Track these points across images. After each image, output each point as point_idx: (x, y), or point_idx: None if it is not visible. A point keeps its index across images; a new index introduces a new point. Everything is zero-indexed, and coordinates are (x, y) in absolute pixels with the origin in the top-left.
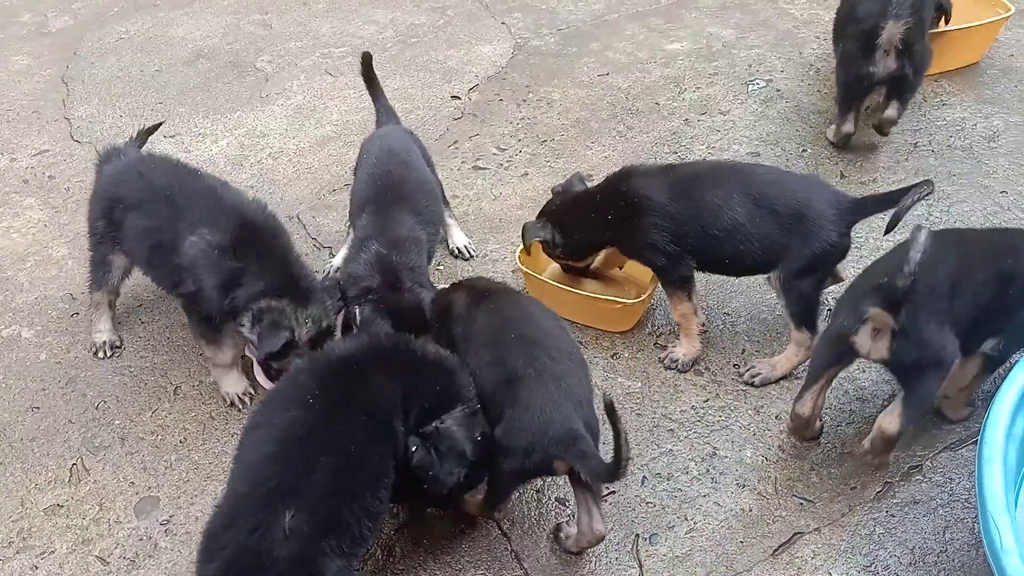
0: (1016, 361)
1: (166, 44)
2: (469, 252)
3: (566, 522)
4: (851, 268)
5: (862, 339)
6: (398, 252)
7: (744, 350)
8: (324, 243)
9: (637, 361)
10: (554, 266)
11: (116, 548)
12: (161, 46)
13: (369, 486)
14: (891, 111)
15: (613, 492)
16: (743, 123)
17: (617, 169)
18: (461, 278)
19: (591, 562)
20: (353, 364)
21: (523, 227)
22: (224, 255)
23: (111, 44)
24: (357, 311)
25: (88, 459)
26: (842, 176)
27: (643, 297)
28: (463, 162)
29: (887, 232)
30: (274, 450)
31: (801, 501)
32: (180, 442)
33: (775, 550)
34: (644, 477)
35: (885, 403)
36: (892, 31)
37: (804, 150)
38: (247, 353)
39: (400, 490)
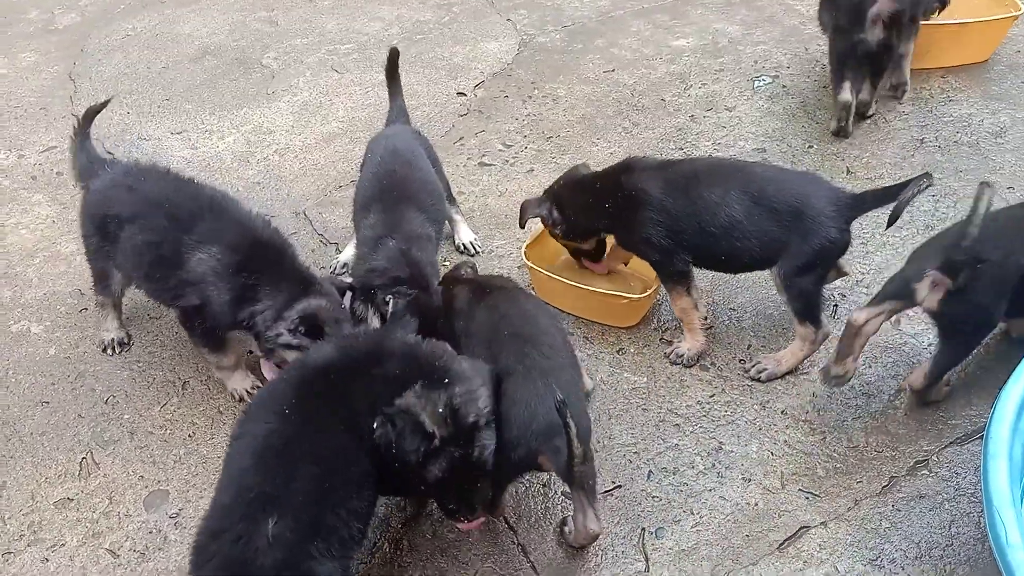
0: None
1: (172, 41)
2: (475, 248)
3: (571, 516)
4: (856, 263)
5: (921, 288)
6: (417, 248)
7: (750, 345)
8: (331, 239)
9: (643, 356)
10: (560, 262)
11: (126, 541)
12: (168, 43)
13: (352, 489)
14: (864, 95)
15: (619, 487)
16: (749, 119)
17: (621, 159)
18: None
19: (597, 556)
20: (329, 369)
21: (522, 204)
22: (236, 271)
23: (118, 41)
24: (390, 303)
25: (98, 453)
26: (848, 172)
27: (648, 292)
28: (469, 158)
29: (889, 226)
30: (253, 460)
31: (807, 495)
32: (189, 436)
33: (781, 544)
34: (650, 471)
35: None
36: (883, 5)
37: (810, 146)
38: (255, 351)
39: (405, 488)
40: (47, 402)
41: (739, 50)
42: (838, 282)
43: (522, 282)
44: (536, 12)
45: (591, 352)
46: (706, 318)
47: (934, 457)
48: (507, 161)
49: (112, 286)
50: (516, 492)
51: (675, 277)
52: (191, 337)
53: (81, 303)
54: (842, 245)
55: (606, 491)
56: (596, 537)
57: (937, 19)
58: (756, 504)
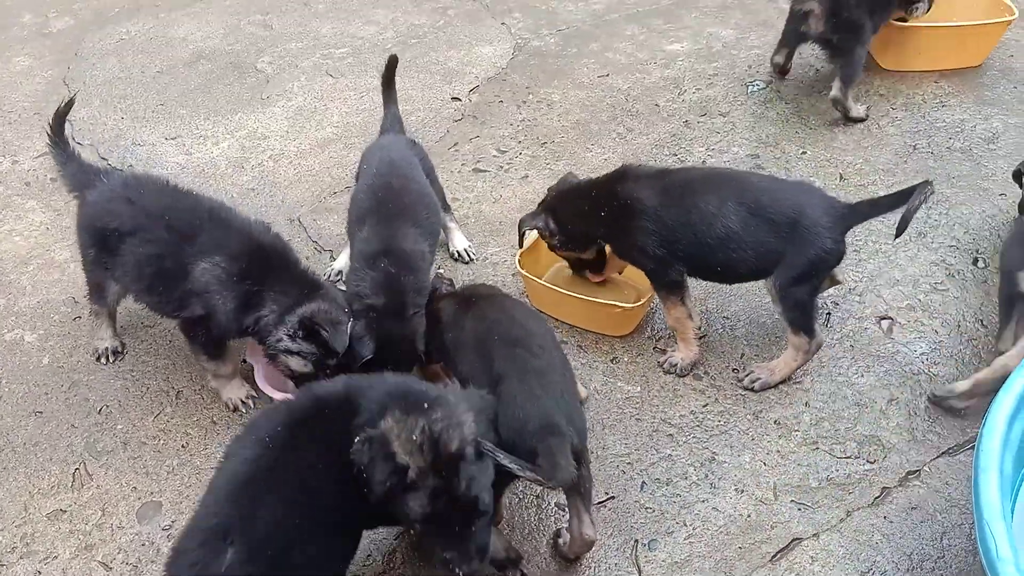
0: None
1: (167, 45)
2: (470, 255)
3: (565, 527)
4: (849, 271)
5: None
6: (408, 270)
7: (743, 354)
8: (325, 246)
9: (636, 365)
10: (554, 270)
11: (119, 553)
12: (162, 47)
13: (325, 528)
14: (834, 91)
15: (612, 498)
16: (743, 124)
17: (617, 167)
18: (461, 281)
19: (591, 568)
20: (325, 403)
21: (519, 221)
22: (241, 279)
23: (112, 45)
24: (352, 325)
25: (91, 464)
26: (841, 178)
27: (642, 301)
28: (463, 164)
29: (898, 235)
30: (225, 486)
31: (799, 506)
32: (182, 447)
33: (773, 556)
34: (643, 482)
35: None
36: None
37: (804, 152)
38: (248, 359)
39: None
40: (40, 412)
41: (733, 55)
42: (831, 291)
43: (515, 290)
44: (531, 16)
45: (585, 361)
46: (700, 327)
47: (926, 468)
48: (501, 167)
49: (108, 297)
50: (510, 503)
51: (669, 287)
52: (191, 345)
53: (75, 311)
54: (837, 256)
55: (599, 502)
56: (592, 544)
57: (930, 21)
58: (749, 515)
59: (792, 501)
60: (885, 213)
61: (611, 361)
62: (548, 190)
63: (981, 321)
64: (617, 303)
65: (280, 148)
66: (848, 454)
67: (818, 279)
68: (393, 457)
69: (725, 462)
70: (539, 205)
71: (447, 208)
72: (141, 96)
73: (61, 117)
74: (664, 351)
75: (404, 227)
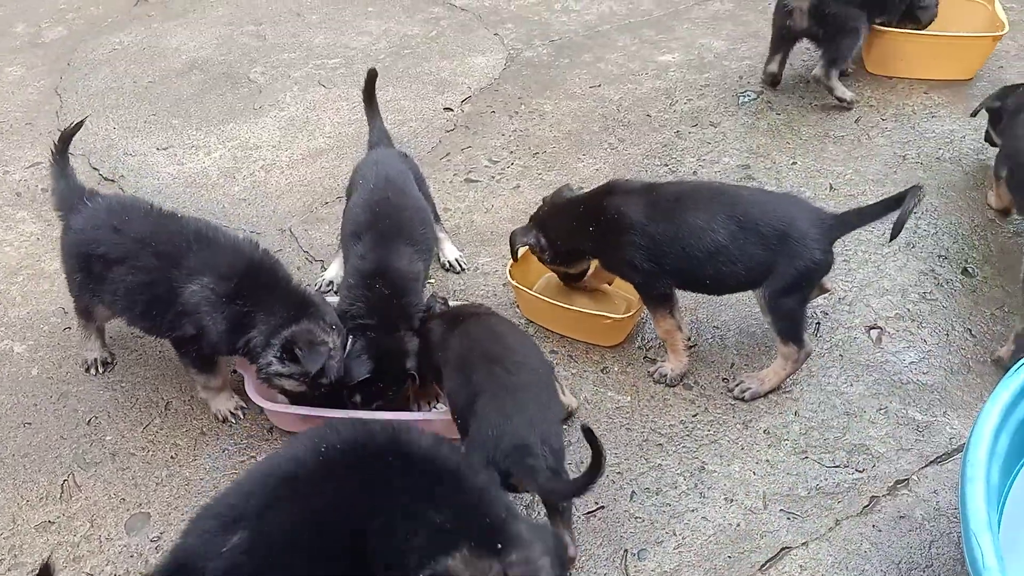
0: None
1: (160, 55)
2: (460, 265)
3: None
4: (839, 280)
5: None
6: (401, 295)
7: (733, 364)
8: (316, 256)
9: (627, 375)
10: (545, 280)
11: (107, 565)
12: (155, 57)
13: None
14: (816, 70)
15: (602, 507)
16: (733, 135)
17: (604, 182)
18: (451, 291)
19: None
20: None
21: (511, 234)
22: (231, 301)
23: (105, 55)
24: (351, 343)
25: (79, 475)
26: (831, 188)
27: (632, 312)
28: (455, 174)
29: (892, 239)
30: (262, 478)
31: (788, 515)
32: (171, 458)
33: (763, 565)
34: (633, 492)
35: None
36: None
37: (794, 162)
38: (238, 368)
39: None
40: (29, 423)
41: (724, 65)
42: (820, 300)
43: (507, 300)
44: (523, 27)
45: (575, 371)
46: (689, 338)
47: (914, 477)
48: (493, 177)
49: (96, 319)
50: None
51: (658, 300)
52: (182, 359)
53: (65, 322)
54: (826, 266)
55: (589, 512)
56: (572, 561)
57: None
58: (738, 525)
59: (781, 510)
60: (872, 222)
61: (601, 371)
62: (543, 200)
63: (970, 330)
64: (607, 314)
65: (272, 158)
66: (837, 463)
67: (807, 290)
68: None
69: (715, 471)
70: (531, 220)
71: (437, 218)
72: (133, 106)
73: (70, 136)
74: (654, 361)
75: (400, 246)
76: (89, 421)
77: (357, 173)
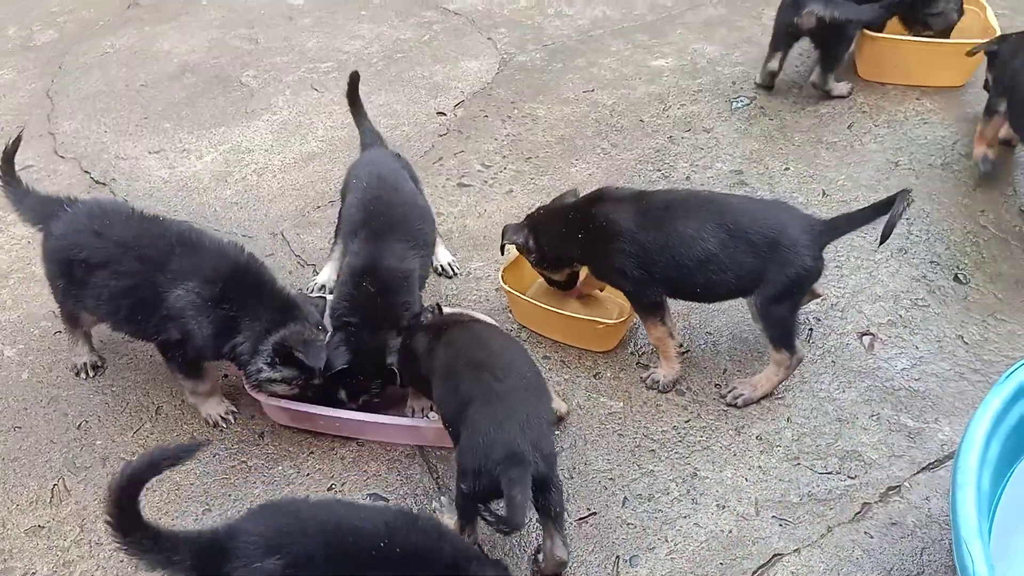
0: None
1: (151, 58)
2: (453, 270)
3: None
4: (831, 286)
5: None
6: (387, 292)
7: (726, 370)
8: (308, 260)
9: (619, 381)
10: (537, 285)
11: (97, 570)
12: (146, 60)
13: None
14: (813, 76)
15: (594, 513)
16: (727, 140)
17: (594, 190)
18: (444, 296)
19: None
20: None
21: (504, 228)
22: (216, 305)
23: (96, 58)
24: (329, 336)
25: (70, 479)
26: (824, 195)
27: (624, 318)
28: (448, 179)
29: (882, 243)
30: (317, 514)
31: (780, 522)
32: None
33: (755, 572)
34: (625, 498)
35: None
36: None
37: (787, 168)
38: (230, 375)
39: None
40: (19, 427)
41: (718, 71)
42: (813, 306)
43: (499, 305)
44: (516, 31)
45: (568, 376)
46: (682, 344)
47: (906, 484)
48: (486, 182)
49: (82, 324)
50: None
51: (649, 308)
52: (169, 365)
53: (55, 326)
54: (816, 272)
55: (581, 518)
56: (564, 565)
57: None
58: (730, 531)
59: (773, 517)
60: (861, 226)
61: (594, 377)
62: (553, 201)
63: (961, 337)
64: (600, 319)
65: (264, 162)
66: (829, 469)
67: (798, 296)
68: None
69: (707, 478)
70: (525, 219)
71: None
72: (125, 109)
73: (10, 156)
74: (647, 367)
75: (392, 243)
76: (79, 425)
77: (351, 174)
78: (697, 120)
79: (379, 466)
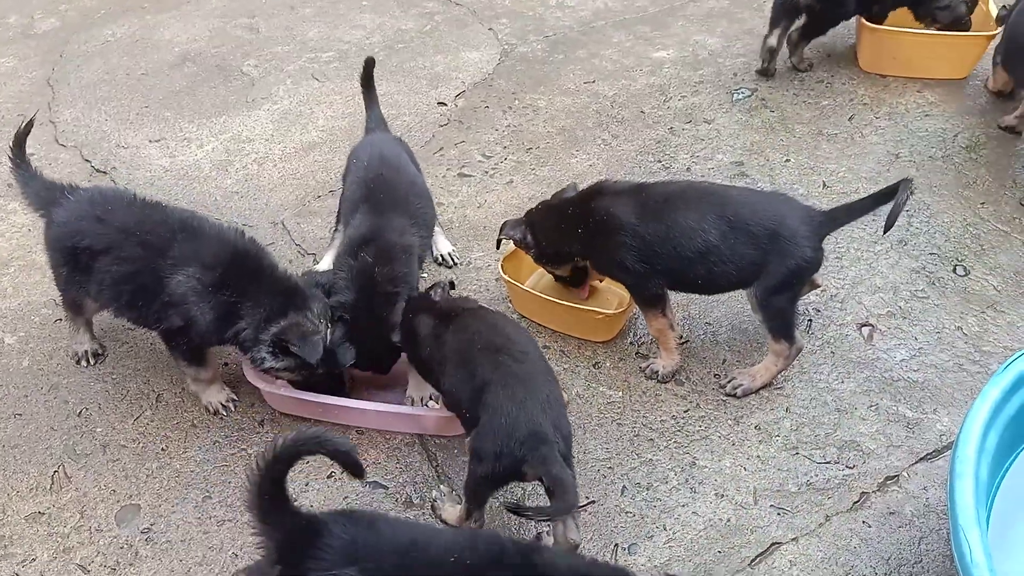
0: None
1: (152, 47)
2: (453, 259)
3: (546, 531)
4: (831, 278)
5: None
6: (386, 263)
7: (725, 360)
8: (309, 250)
9: (618, 371)
10: (537, 275)
11: (97, 556)
12: (147, 49)
13: None
14: (794, 33)
15: (593, 502)
16: (727, 132)
17: (592, 183)
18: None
19: None
20: None
21: (503, 223)
22: (218, 290)
23: (97, 47)
24: (330, 329)
25: (70, 466)
26: (824, 186)
27: (624, 308)
28: (448, 169)
29: (886, 231)
30: (398, 533)
31: (778, 511)
32: (162, 450)
33: (752, 560)
34: (624, 487)
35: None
36: None
37: (788, 160)
38: (243, 363)
39: None
40: (20, 414)
41: (719, 63)
42: (812, 297)
43: (499, 295)
44: (518, 22)
45: (567, 366)
46: (681, 335)
47: (904, 473)
48: (487, 172)
49: (85, 312)
50: (492, 506)
51: (650, 300)
52: (171, 352)
53: (56, 313)
54: (816, 263)
55: (580, 506)
56: (576, 548)
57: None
58: (728, 520)
59: (772, 505)
60: (861, 216)
61: (593, 366)
62: (553, 196)
63: (961, 328)
64: (599, 309)
65: (265, 151)
66: (828, 459)
67: (798, 287)
68: None
69: (705, 467)
70: (525, 214)
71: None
72: (126, 98)
73: (21, 138)
74: (646, 357)
75: (394, 219)
76: (80, 413)
77: (353, 155)
78: (698, 111)
79: (378, 454)
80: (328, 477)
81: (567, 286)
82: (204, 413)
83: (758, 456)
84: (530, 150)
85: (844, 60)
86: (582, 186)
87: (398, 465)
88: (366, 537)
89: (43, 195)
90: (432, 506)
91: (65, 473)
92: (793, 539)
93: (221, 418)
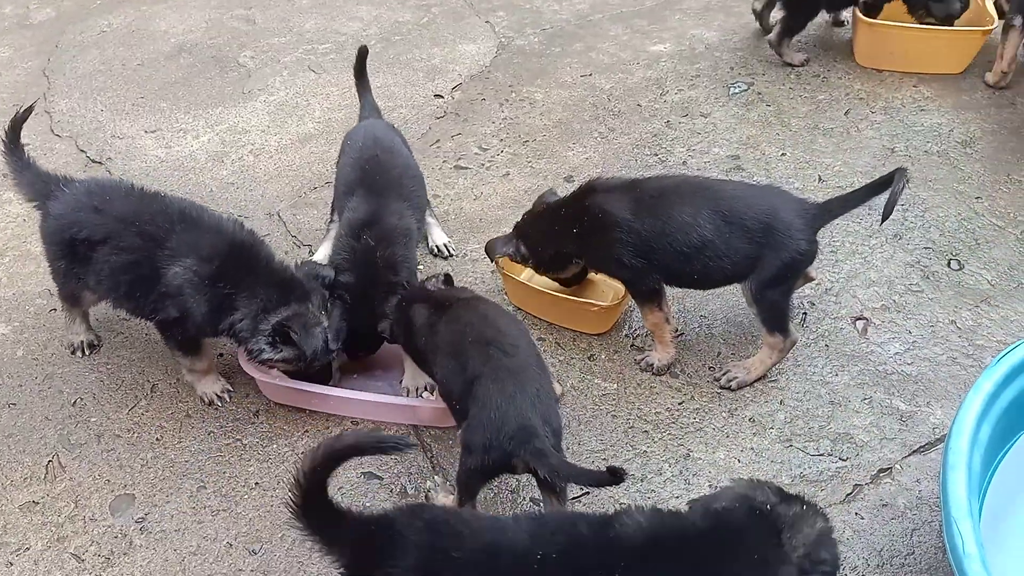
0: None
1: (148, 38)
2: (449, 251)
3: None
4: (826, 271)
5: None
6: (387, 245)
7: (720, 353)
8: (304, 241)
9: (613, 363)
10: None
11: (91, 545)
12: (143, 40)
13: None
14: (771, 35)
15: (587, 493)
16: (724, 126)
17: (583, 182)
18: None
19: None
20: None
21: (486, 245)
22: (214, 282)
23: (93, 37)
24: (329, 311)
25: (64, 456)
26: (820, 180)
27: (619, 300)
28: (444, 161)
29: (883, 220)
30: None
31: None
32: (156, 440)
33: None
34: None
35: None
36: None
37: (783, 154)
38: (226, 354)
39: None
40: (14, 404)
41: (716, 56)
42: (807, 290)
43: (494, 287)
44: (515, 15)
45: (562, 358)
46: (676, 328)
47: (897, 466)
48: (483, 165)
49: (83, 304)
50: (484, 498)
51: (647, 295)
52: (167, 343)
53: (50, 303)
54: (811, 256)
55: (574, 497)
56: None
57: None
58: None
59: None
60: (856, 208)
61: (588, 358)
62: (535, 205)
63: (954, 322)
64: (594, 302)
65: (261, 143)
66: (821, 451)
67: (793, 280)
68: None
69: (700, 459)
70: (513, 229)
71: (427, 204)
72: (121, 89)
73: (18, 125)
74: (641, 349)
75: (391, 202)
76: (74, 402)
77: (347, 138)
78: (694, 105)
79: None
80: None
81: (570, 286)
82: (199, 403)
83: (752, 448)
84: (527, 143)
85: (840, 54)
86: (575, 181)
87: (393, 456)
88: (439, 541)
89: (36, 185)
90: (426, 496)
91: (59, 463)
92: None
93: (216, 408)
